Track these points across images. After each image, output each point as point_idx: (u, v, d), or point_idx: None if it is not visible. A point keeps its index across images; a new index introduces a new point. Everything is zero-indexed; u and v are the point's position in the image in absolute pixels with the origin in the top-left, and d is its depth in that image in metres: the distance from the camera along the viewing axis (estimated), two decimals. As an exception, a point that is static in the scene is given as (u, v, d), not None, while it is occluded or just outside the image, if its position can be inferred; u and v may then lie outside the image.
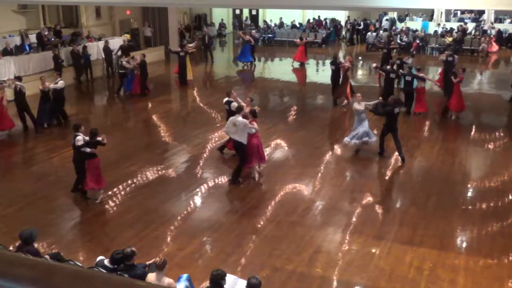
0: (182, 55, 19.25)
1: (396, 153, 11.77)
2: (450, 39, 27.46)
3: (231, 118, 10.51)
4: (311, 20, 32.63)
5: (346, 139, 12.04)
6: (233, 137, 10.49)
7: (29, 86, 17.61)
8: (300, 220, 8.97)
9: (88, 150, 9.33)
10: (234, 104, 11.39)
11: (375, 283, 7.14)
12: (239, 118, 10.16)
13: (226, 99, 12.00)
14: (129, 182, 10.60)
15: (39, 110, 13.97)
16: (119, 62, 18.09)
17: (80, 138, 9.37)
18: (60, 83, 14.17)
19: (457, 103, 14.71)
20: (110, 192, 10.08)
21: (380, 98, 12.80)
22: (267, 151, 12.81)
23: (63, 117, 14.44)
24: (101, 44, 21.32)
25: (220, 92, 18.81)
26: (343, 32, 32.58)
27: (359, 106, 11.85)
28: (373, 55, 25.76)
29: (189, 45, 20.51)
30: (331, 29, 31.62)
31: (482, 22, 30.76)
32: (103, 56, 20.93)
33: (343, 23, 32.23)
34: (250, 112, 10.68)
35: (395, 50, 21.05)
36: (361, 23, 31.32)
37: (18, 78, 14.41)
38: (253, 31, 26.85)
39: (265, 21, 32.84)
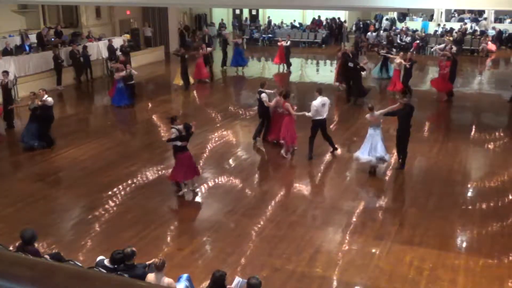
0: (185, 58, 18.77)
1: (395, 153, 11.74)
2: (450, 39, 27.46)
3: (319, 101, 11.39)
4: (316, 18, 32.64)
5: (358, 155, 10.77)
6: (319, 117, 11.42)
7: (29, 86, 17.70)
8: (300, 220, 8.97)
9: (179, 143, 9.57)
10: (264, 95, 12.39)
11: (375, 283, 7.14)
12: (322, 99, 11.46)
13: (259, 89, 12.81)
14: (129, 182, 10.60)
15: (26, 129, 12.47)
16: (127, 72, 16.18)
17: (174, 131, 9.54)
18: (49, 100, 12.32)
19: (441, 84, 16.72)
20: (110, 192, 10.08)
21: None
22: (267, 151, 12.82)
23: (48, 142, 12.48)
24: (101, 44, 21.34)
25: (220, 92, 18.87)
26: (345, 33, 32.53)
27: (372, 115, 10.58)
28: (373, 55, 25.73)
29: (208, 48, 20.14)
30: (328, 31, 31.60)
31: (477, 24, 30.71)
32: (107, 55, 20.93)
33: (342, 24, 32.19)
34: (280, 94, 11.99)
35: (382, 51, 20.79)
36: (361, 23, 31.31)
37: (6, 73, 14.22)
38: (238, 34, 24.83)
39: (269, 21, 32.86)
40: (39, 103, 12.20)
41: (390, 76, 18.93)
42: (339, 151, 12.21)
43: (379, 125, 10.56)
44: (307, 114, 11.55)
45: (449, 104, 17.17)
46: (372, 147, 10.45)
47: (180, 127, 9.64)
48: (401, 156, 11.02)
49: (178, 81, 18.90)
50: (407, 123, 10.75)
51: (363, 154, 10.57)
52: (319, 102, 11.39)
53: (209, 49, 20.39)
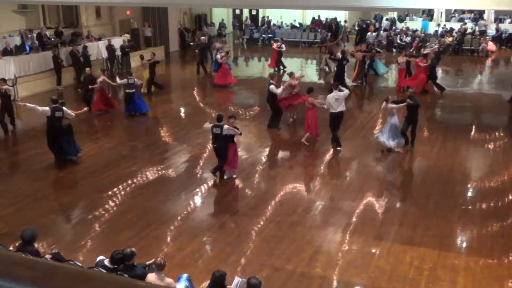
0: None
1: (395, 153, 11.81)
2: (450, 39, 27.47)
3: (332, 95, 12.16)
4: (316, 18, 32.63)
5: (379, 136, 12.16)
6: (333, 110, 12.15)
7: (29, 86, 17.72)
8: (300, 220, 8.97)
9: (236, 133, 10.39)
10: (273, 87, 13.49)
11: (375, 283, 7.14)
12: (342, 93, 12.19)
13: (269, 81, 13.88)
14: (129, 182, 10.60)
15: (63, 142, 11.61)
16: (128, 80, 15.17)
17: (226, 127, 10.20)
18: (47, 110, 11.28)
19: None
20: (110, 192, 10.08)
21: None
22: (267, 151, 12.83)
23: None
24: (101, 44, 21.35)
25: (220, 92, 18.86)
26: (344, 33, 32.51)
27: (386, 107, 11.99)
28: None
29: (223, 53, 19.55)
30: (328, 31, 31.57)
31: (476, 24, 30.71)
32: (106, 55, 20.93)
33: (342, 23, 32.16)
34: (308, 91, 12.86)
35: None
36: (360, 24, 31.28)
37: (3, 80, 13.89)
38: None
39: (268, 21, 32.85)
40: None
41: (378, 74, 21.25)
42: (340, 149, 12.36)
43: (393, 114, 11.97)
44: (324, 106, 12.46)
45: (449, 104, 17.18)
46: (391, 133, 11.99)
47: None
48: (411, 137, 12.37)
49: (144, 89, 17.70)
50: (415, 114, 12.22)
51: (383, 137, 12.06)
52: (332, 96, 12.16)
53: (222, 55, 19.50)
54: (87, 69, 16.42)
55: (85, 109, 13.71)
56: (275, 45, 22.42)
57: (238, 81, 20.30)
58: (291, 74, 14.45)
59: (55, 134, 11.32)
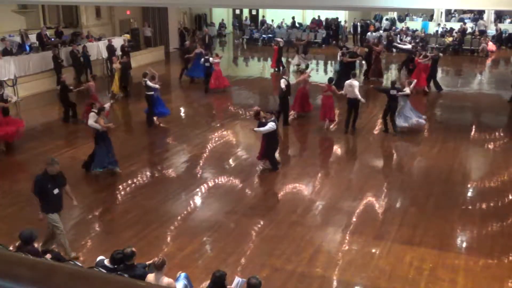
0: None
1: (395, 152, 11.81)
2: (450, 39, 27.47)
3: (346, 82, 13.67)
4: (316, 18, 32.62)
5: (396, 120, 13.26)
6: (348, 96, 13.56)
7: (29, 86, 17.73)
8: (300, 220, 8.97)
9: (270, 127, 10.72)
10: (283, 81, 14.02)
11: (375, 283, 7.14)
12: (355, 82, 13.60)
13: (282, 76, 14.59)
14: (129, 182, 10.60)
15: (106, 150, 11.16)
16: (143, 83, 14.41)
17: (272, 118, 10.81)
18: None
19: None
20: (110, 192, 10.08)
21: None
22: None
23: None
24: (101, 44, 21.34)
25: (220, 92, 18.84)
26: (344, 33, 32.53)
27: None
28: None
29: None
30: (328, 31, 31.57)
31: (475, 24, 30.71)
32: (106, 55, 20.93)
33: (343, 23, 32.17)
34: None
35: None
36: (358, 24, 31.27)
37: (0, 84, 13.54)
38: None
39: (262, 21, 32.84)
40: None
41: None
42: (355, 132, 13.56)
43: (405, 99, 13.30)
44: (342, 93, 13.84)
45: (449, 104, 17.18)
46: (407, 115, 13.29)
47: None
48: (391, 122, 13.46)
49: (117, 90, 17.51)
50: (394, 102, 13.28)
51: (399, 121, 13.26)
52: (347, 83, 13.58)
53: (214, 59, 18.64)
54: (63, 75, 15.37)
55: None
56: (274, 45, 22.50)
57: (238, 81, 20.33)
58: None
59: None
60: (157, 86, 14.35)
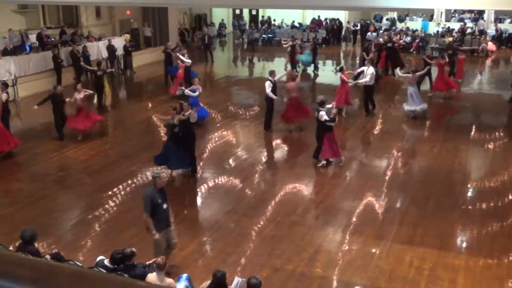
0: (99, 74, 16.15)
1: (395, 152, 11.82)
2: (450, 39, 27.43)
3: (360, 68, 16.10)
4: (316, 18, 32.59)
5: (404, 106, 14.57)
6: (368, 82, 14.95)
7: (29, 86, 17.72)
8: (300, 220, 8.97)
9: (332, 124, 10.89)
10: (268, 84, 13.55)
11: (375, 283, 7.14)
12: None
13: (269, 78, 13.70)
14: (129, 182, 10.60)
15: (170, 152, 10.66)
16: (180, 91, 13.92)
17: (323, 114, 10.79)
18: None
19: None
20: (110, 192, 10.08)
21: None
22: (267, 151, 12.83)
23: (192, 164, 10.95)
24: (101, 44, 21.34)
25: (220, 92, 18.85)
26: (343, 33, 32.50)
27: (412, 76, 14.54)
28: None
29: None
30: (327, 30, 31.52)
31: (475, 24, 30.68)
32: (106, 55, 20.92)
33: (344, 24, 32.14)
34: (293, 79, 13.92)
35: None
36: (358, 24, 31.24)
37: (5, 85, 13.04)
38: (185, 55, 17.98)
39: (262, 21, 32.81)
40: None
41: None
42: (374, 111, 15.07)
43: (414, 84, 14.45)
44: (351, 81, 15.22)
45: (449, 104, 17.19)
46: (414, 100, 14.32)
47: (324, 112, 10.94)
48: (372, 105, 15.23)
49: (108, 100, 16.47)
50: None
51: (409, 106, 14.41)
52: (360, 69, 16.14)
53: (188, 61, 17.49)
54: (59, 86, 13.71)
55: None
56: (286, 43, 22.43)
57: (238, 81, 20.30)
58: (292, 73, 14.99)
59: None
60: (195, 94, 13.59)
